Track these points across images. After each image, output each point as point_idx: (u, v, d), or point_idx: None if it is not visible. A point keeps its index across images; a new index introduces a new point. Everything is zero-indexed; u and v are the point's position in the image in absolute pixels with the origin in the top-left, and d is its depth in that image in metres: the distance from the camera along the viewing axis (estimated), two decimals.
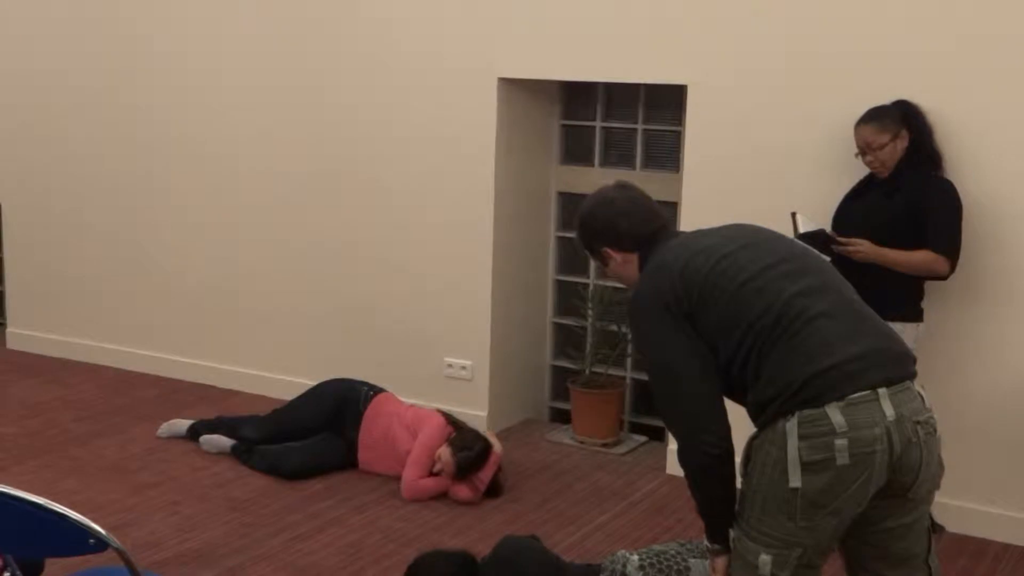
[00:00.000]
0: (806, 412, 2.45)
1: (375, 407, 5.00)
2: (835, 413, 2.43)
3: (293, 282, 5.90)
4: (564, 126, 5.64)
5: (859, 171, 4.24)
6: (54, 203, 6.56)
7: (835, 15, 4.45)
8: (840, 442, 2.42)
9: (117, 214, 6.37)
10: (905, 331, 4.07)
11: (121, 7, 6.12)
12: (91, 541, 2.43)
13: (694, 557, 3.41)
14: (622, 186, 2.97)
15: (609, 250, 2.87)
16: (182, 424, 5.33)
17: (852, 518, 2.54)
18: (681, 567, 3.37)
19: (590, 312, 5.45)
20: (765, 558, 2.52)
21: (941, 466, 2.65)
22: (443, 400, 5.35)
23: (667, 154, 5.39)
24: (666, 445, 5.11)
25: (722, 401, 2.65)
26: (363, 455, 4.96)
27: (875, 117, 4.09)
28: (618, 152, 5.53)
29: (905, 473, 2.52)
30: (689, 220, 4.87)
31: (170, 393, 6.03)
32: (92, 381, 6.22)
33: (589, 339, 5.53)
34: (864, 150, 4.11)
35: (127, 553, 2.46)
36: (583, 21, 4.99)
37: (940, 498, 4.36)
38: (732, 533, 2.66)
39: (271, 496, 4.67)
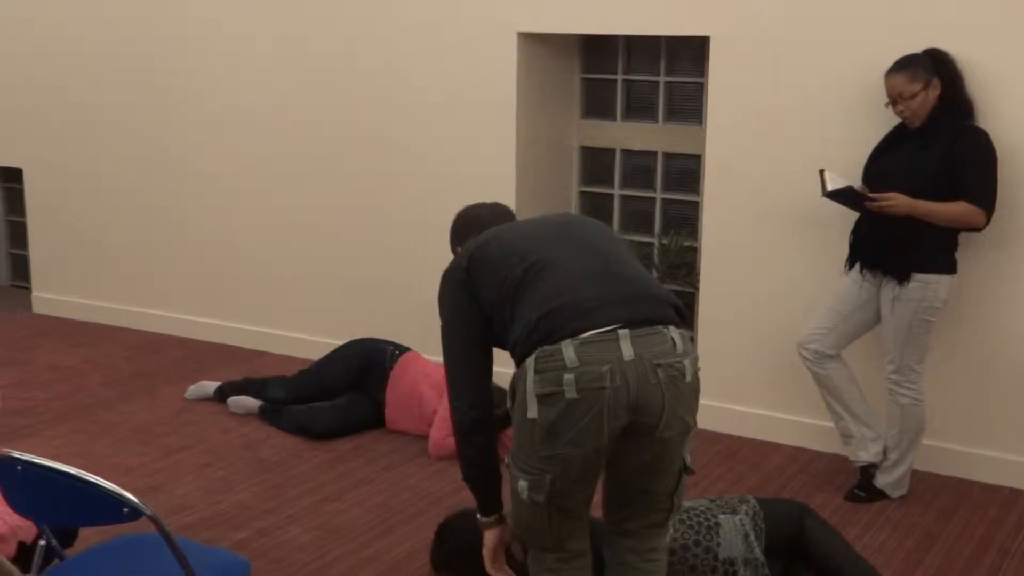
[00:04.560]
0: (544, 348, 2.58)
1: (402, 366, 5.01)
2: (568, 349, 2.55)
3: (319, 243, 5.89)
4: (585, 80, 5.58)
5: (889, 122, 4.17)
6: (76, 168, 6.56)
7: None
8: (568, 376, 2.53)
9: (141, 178, 6.37)
10: (940, 283, 4.05)
11: None
12: (125, 510, 2.45)
13: (723, 513, 3.41)
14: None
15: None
16: (209, 386, 5.36)
17: (598, 452, 2.63)
18: (711, 523, 3.37)
19: None
20: (523, 484, 2.67)
21: (693, 417, 2.70)
22: None
23: (690, 106, 5.33)
24: None
25: (480, 373, 2.84)
26: (390, 414, 4.98)
27: (905, 66, 4.01)
28: (640, 105, 5.48)
29: (644, 413, 2.59)
30: (713, 172, 4.84)
31: (196, 355, 6.05)
32: (118, 344, 6.25)
33: None
34: (895, 100, 4.03)
35: (161, 520, 2.48)
36: None
37: (971, 448, 4.43)
38: (506, 460, 2.80)
39: (300, 457, 4.69)
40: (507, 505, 2.87)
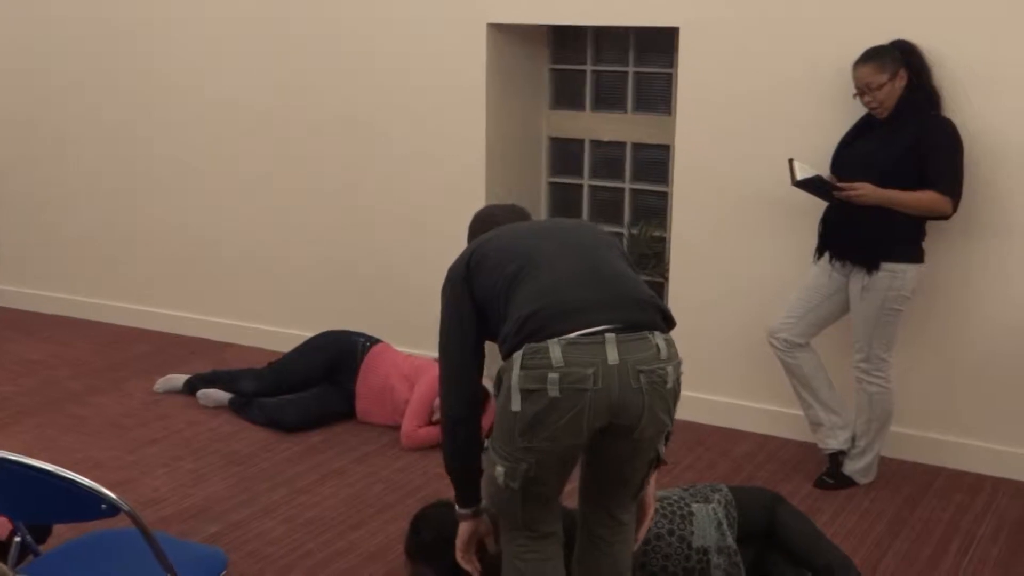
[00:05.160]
0: (531, 345, 2.63)
1: (372, 358, 5.00)
2: (555, 349, 2.60)
3: (287, 234, 5.87)
4: (554, 70, 5.59)
5: (857, 113, 4.21)
6: (43, 158, 6.50)
7: None
8: (553, 375, 2.59)
9: (108, 168, 6.32)
10: (908, 272, 4.10)
11: None
12: (103, 506, 2.43)
13: (697, 503, 3.44)
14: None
15: None
16: (178, 379, 5.33)
17: (576, 448, 2.71)
18: (685, 512, 3.40)
19: None
20: (500, 469, 2.73)
21: (670, 416, 2.76)
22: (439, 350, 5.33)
23: (659, 97, 5.35)
24: None
25: (470, 370, 2.91)
26: (361, 406, 4.98)
27: (873, 57, 4.05)
28: (609, 96, 5.49)
29: (624, 416, 2.65)
30: (682, 163, 4.86)
31: (164, 348, 6.02)
32: (86, 337, 6.20)
33: None
34: (863, 91, 4.07)
35: (140, 517, 2.47)
36: None
37: (938, 435, 4.49)
38: (485, 443, 2.90)
39: (271, 449, 4.69)
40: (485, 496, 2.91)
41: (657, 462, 2.88)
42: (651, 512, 3.08)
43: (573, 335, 2.62)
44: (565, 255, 2.81)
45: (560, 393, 2.59)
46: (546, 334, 2.63)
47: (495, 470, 2.76)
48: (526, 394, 2.62)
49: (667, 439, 2.87)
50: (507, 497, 2.78)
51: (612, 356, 2.61)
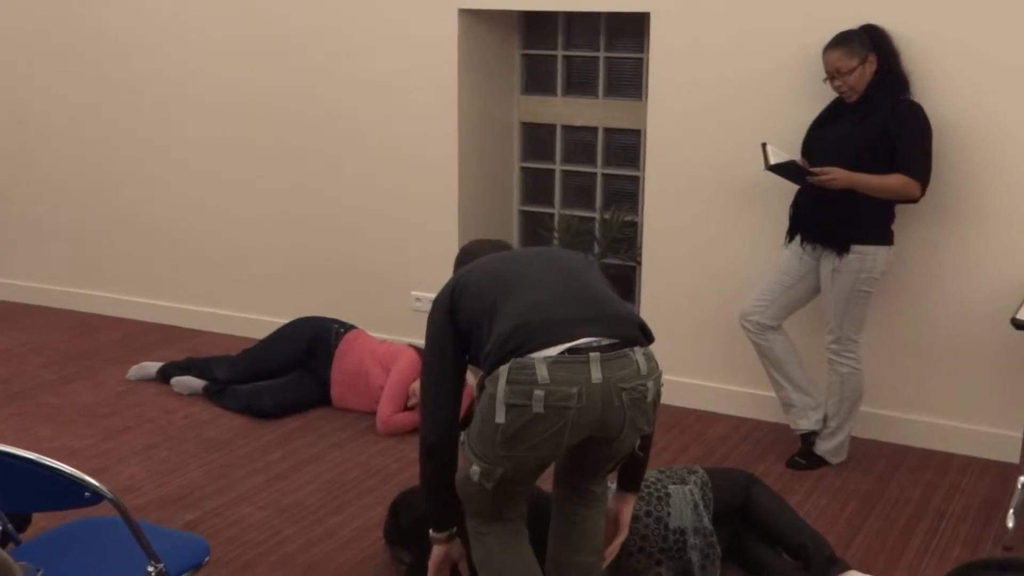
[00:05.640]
0: (518, 360, 2.70)
1: (346, 344, 5.01)
2: (541, 367, 2.68)
3: (259, 221, 5.85)
4: (525, 56, 5.60)
5: (828, 97, 4.25)
6: (9, 145, 6.44)
7: None
8: (538, 392, 2.67)
9: (75, 155, 6.27)
10: (878, 254, 4.15)
11: None
12: (87, 494, 2.44)
13: (673, 484, 3.48)
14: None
15: None
16: (152, 366, 5.32)
17: (554, 457, 2.85)
18: (661, 494, 3.44)
19: (556, 242, 5.47)
20: (475, 469, 2.82)
21: (649, 424, 2.87)
22: (413, 334, 5.32)
23: (630, 82, 5.38)
24: None
25: (448, 400, 2.98)
26: (336, 392, 4.98)
27: (843, 42, 4.09)
28: (580, 81, 5.51)
29: (604, 431, 2.77)
30: (654, 147, 4.89)
31: (136, 335, 6.00)
32: (55, 326, 6.17)
33: None
34: (833, 75, 4.11)
35: (123, 504, 2.47)
36: None
37: (908, 414, 4.55)
38: (462, 437, 2.97)
39: (247, 436, 4.69)
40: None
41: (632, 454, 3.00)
42: (624, 534, 3.16)
43: (558, 351, 2.69)
44: (548, 276, 2.89)
45: (545, 410, 2.67)
46: (532, 347, 2.70)
47: (470, 468, 2.83)
48: (511, 408, 2.69)
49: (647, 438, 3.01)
50: (477, 491, 2.86)
51: (596, 375, 2.69)
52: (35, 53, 6.22)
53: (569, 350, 2.70)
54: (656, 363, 2.83)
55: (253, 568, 3.62)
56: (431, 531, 3.11)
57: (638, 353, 2.78)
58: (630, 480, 3.13)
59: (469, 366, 3.01)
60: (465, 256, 3.29)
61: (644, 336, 2.86)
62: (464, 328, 2.91)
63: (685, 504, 3.43)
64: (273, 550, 3.73)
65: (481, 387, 2.81)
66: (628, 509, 3.14)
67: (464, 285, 2.94)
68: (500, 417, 2.70)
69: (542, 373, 2.66)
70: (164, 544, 2.66)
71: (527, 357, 2.69)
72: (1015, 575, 1.67)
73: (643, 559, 3.37)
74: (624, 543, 3.31)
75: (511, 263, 3.00)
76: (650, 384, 2.78)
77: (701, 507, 3.44)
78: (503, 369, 2.70)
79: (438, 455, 2.98)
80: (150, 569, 2.54)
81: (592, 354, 2.70)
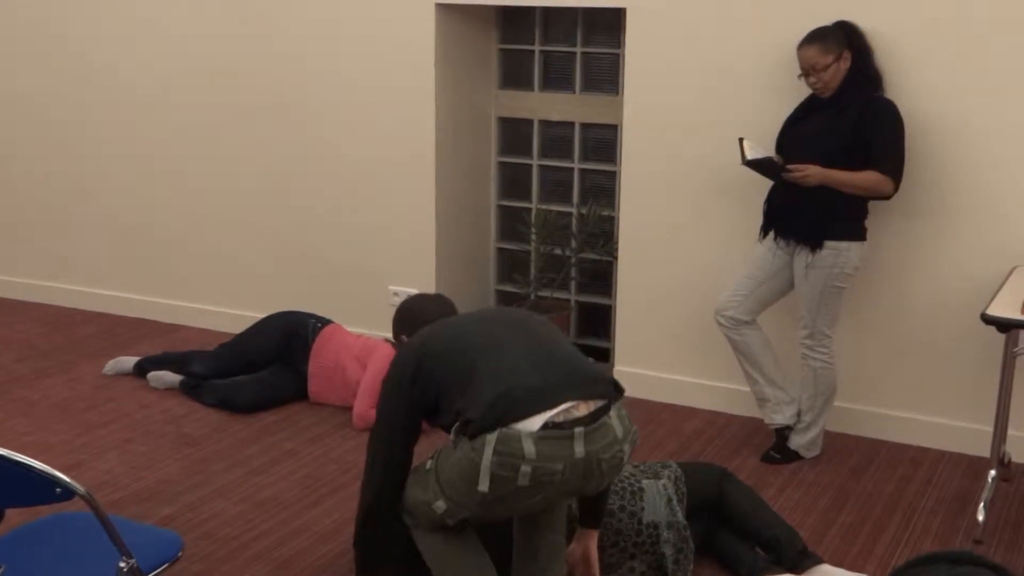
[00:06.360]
0: (505, 432, 2.76)
1: (323, 339, 5.01)
2: (528, 443, 2.75)
3: (235, 215, 5.84)
4: (502, 50, 5.60)
5: (802, 93, 4.27)
6: None
7: None
8: (525, 468, 2.76)
9: (49, 146, 6.25)
10: (851, 250, 4.17)
11: None
12: (58, 490, 2.43)
13: (647, 479, 3.50)
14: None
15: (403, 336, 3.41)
16: (128, 361, 5.30)
17: (527, 512, 3.01)
18: (635, 488, 3.45)
19: (533, 236, 5.48)
20: (440, 504, 2.91)
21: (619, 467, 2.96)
22: (390, 329, 5.32)
23: (607, 77, 5.39)
24: (612, 366, 5.19)
25: (394, 468, 3.07)
26: (313, 387, 4.98)
27: (818, 38, 4.11)
28: (557, 76, 5.52)
29: (582, 492, 2.97)
30: (630, 142, 4.90)
31: (111, 330, 5.98)
32: (29, 320, 6.14)
33: (533, 263, 5.57)
34: (808, 71, 4.13)
35: (95, 500, 2.47)
36: None
37: (881, 409, 4.59)
38: (428, 464, 3.01)
39: (224, 430, 4.68)
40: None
41: None
42: (596, 572, 3.25)
43: (542, 421, 2.77)
44: (517, 340, 2.97)
45: (529, 483, 2.78)
46: (518, 415, 2.77)
47: (435, 503, 2.91)
48: (496, 478, 2.77)
49: None
50: (435, 517, 2.94)
51: (579, 450, 2.79)
52: (6, 52, 6.18)
53: (554, 424, 2.77)
54: (628, 420, 2.94)
55: (230, 562, 3.63)
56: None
57: (614, 418, 2.88)
58: (591, 518, 3.21)
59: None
60: (411, 317, 3.37)
61: (616, 391, 2.95)
62: (430, 396, 2.96)
63: (659, 499, 3.45)
64: (249, 544, 3.74)
65: (456, 441, 2.86)
66: (594, 545, 3.23)
67: (432, 355, 2.97)
68: (483, 486, 2.77)
69: (529, 448, 2.74)
70: (137, 539, 2.66)
71: (512, 428, 2.75)
72: (967, 569, 1.69)
73: (616, 553, 3.39)
74: (598, 537, 3.33)
75: (477, 325, 3.07)
76: (626, 447, 2.90)
77: (675, 502, 3.46)
78: (490, 438, 2.76)
79: (373, 522, 3.13)
80: (122, 565, 2.53)
81: (576, 429, 2.79)
